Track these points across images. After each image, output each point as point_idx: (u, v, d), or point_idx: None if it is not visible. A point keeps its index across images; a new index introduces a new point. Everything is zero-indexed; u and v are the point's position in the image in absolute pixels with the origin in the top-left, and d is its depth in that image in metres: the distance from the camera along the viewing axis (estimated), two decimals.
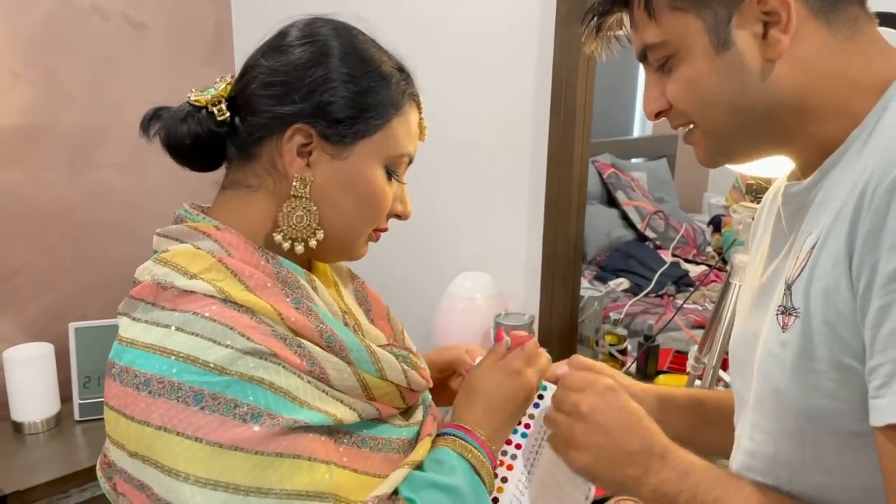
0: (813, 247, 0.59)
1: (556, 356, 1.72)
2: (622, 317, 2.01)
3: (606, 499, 1.28)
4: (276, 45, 0.75)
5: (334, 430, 0.69)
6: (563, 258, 1.72)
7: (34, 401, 1.69)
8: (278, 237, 0.72)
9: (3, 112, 1.73)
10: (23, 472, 1.54)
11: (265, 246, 0.74)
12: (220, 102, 0.74)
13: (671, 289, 2.52)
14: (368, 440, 0.73)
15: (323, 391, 0.69)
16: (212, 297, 0.67)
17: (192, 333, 0.65)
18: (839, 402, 0.58)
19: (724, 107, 0.64)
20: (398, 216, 0.81)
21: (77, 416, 1.75)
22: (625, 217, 3.03)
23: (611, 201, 3.08)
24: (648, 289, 2.48)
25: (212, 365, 0.63)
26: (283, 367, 0.66)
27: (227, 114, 0.74)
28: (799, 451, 0.62)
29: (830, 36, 0.60)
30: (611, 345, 1.85)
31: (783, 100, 0.62)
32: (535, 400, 0.85)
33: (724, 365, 1.26)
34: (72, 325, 1.76)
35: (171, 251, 0.71)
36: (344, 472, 0.68)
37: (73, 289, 1.84)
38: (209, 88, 0.75)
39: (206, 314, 0.66)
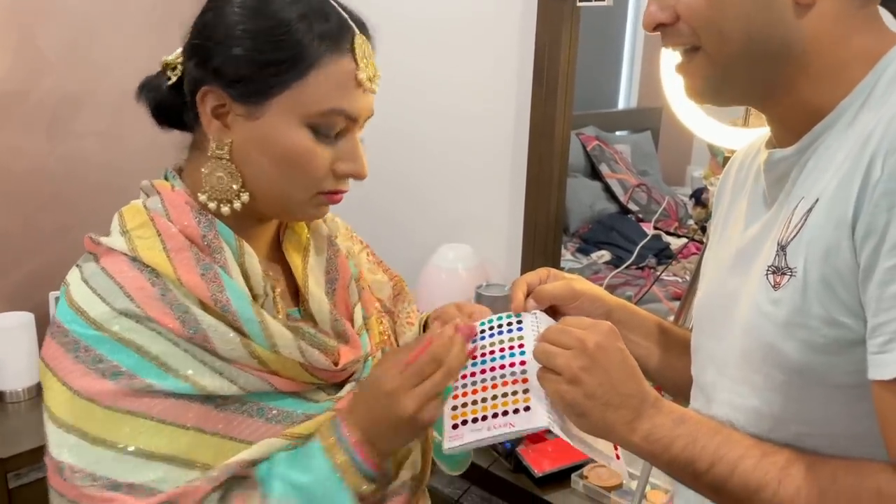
0: (810, 209, 0.61)
1: None
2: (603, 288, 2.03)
3: (582, 465, 1.32)
4: (201, 8, 0.75)
5: (217, 398, 0.70)
6: (543, 230, 1.73)
7: (16, 370, 1.70)
8: (203, 198, 0.74)
9: None
10: (5, 440, 1.56)
11: (215, 211, 0.75)
12: (176, 67, 0.76)
13: (652, 261, 2.55)
14: (266, 410, 0.73)
15: (201, 360, 0.70)
16: (124, 254, 0.71)
17: (91, 288, 0.70)
18: (830, 357, 0.60)
19: (741, 34, 0.62)
20: (350, 176, 0.76)
21: None
22: (608, 190, 3.05)
23: (594, 174, 3.09)
24: (630, 261, 2.50)
25: (93, 320, 0.68)
26: (159, 332, 0.69)
27: (175, 79, 0.76)
28: (784, 402, 0.65)
29: (849, 1, 0.62)
30: None
31: (796, 48, 0.63)
32: (515, 323, 0.79)
33: None
34: (52, 294, 1.75)
35: (128, 204, 0.76)
36: (212, 438, 0.70)
37: (53, 258, 1.83)
38: (176, 52, 0.77)
39: (108, 271, 0.70)
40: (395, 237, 2.01)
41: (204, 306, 0.71)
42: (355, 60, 0.72)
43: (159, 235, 0.72)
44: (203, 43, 0.72)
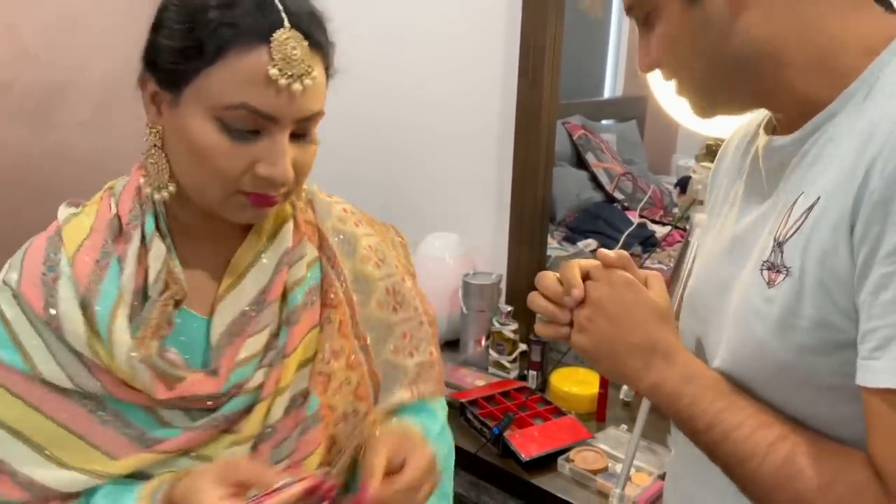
0: (811, 207, 0.60)
1: (522, 314, 1.76)
2: None
3: (567, 449, 1.34)
4: None
5: (48, 382, 0.72)
6: (530, 218, 1.74)
7: None
8: (141, 181, 0.77)
9: None
10: None
11: (150, 196, 0.76)
12: None
13: (638, 249, 2.56)
14: (104, 414, 0.73)
15: (49, 346, 0.71)
16: (58, 225, 0.76)
17: (20, 254, 0.76)
18: (818, 358, 0.60)
19: (700, 60, 0.66)
20: (267, 180, 0.71)
21: None
22: (594, 179, 3.06)
23: (580, 163, 3.10)
24: (615, 249, 2.52)
25: None
26: (24, 311, 0.72)
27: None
28: (770, 400, 0.65)
29: None
30: None
31: (756, 51, 0.63)
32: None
33: None
34: None
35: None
36: (45, 420, 0.72)
37: None
38: None
39: (31, 242, 0.76)
40: None
41: (77, 293, 0.72)
42: (270, 55, 0.67)
43: (95, 214, 0.76)
44: (149, 33, 0.74)
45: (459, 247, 1.81)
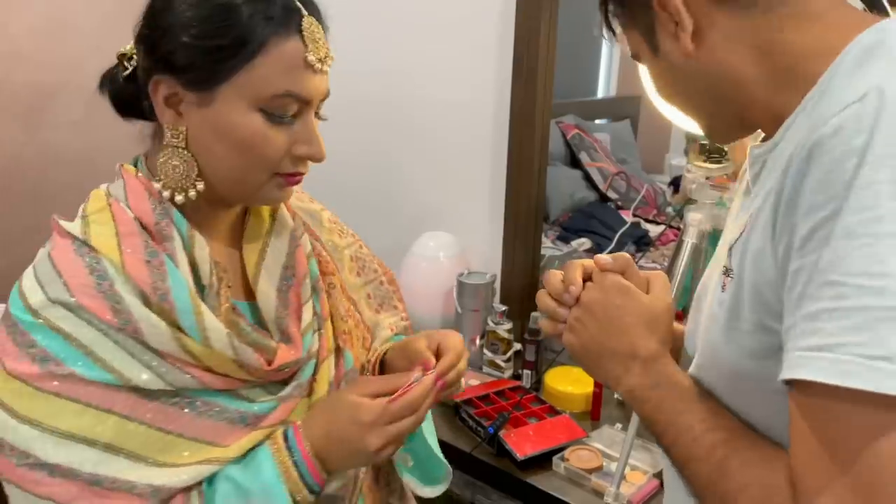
0: (753, 211, 0.61)
1: (517, 314, 1.76)
2: None
3: (562, 448, 1.34)
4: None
5: (145, 389, 0.70)
6: (524, 218, 1.74)
7: None
8: (158, 185, 0.75)
9: None
10: None
11: (170, 199, 0.76)
12: (132, 58, 0.77)
13: (632, 248, 2.57)
14: (198, 404, 0.73)
15: (131, 352, 0.70)
16: (75, 237, 0.72)
17: (36, 274, 0.72)
18: (762, 362, 0.60)
19: (681, 100, 0.71)
20: (307, 159, 0.77)
21: None
22: (588, 178, 3.06)
23: (574, 162, 3.11)
24: (609, 248, 2.52)
25: (30, 306, 0.70)
26: (90, 322, 0.69)
27: (130, 70, 0.76)
28: (729, 402, 0.65)
29: (743, 16, 0.62)
30: None
31: (719, 78, 0.65)
32: None
33: (679, 317, 1.31)
34: None
35: (99, 187, 0.78)
36: (140, 426, 0.70)
37: (30, 250, 1.81)
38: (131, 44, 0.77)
39: (53, 258, 0.72)
40: (376, 226, 2.01)
41: (143, 296, 0.70)
42: (304, 42, 0.72)
43: (113, 220, 0.73)
44: (151, 32, 0.72)
45: (453, 246, 1.81)
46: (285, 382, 0.80)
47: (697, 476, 0.62)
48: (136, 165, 0.78)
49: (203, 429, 0.73)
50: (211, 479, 0.74)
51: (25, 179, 1.83)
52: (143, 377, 0.70)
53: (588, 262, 0.76)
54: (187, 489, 0.72)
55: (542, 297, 0.77)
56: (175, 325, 0.71)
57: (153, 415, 0.71)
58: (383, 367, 0.96)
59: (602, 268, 0.74)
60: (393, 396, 0.76)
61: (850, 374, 0.48)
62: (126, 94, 0.77)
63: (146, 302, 0.70)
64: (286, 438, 0.76)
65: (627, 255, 0.75)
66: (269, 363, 0.76)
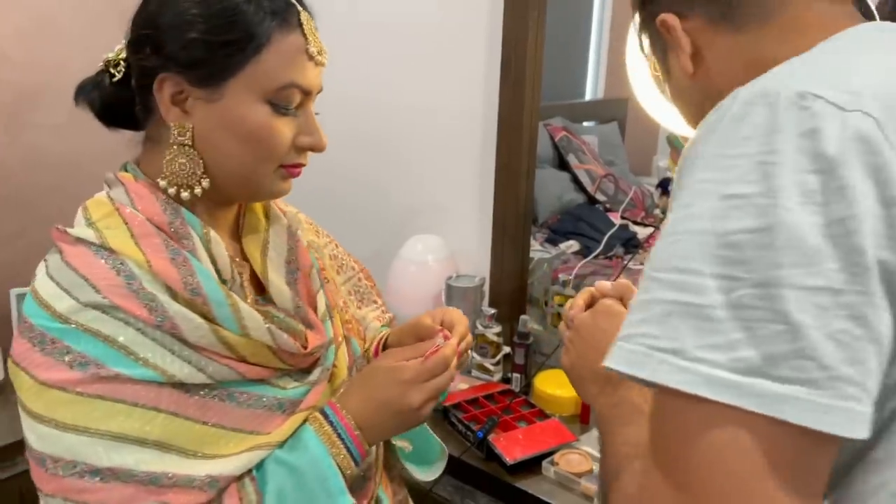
0: None
1: (506, 317, 1.75)
2: (571, 278, 2.05)
3: (552, 452, 1.33)
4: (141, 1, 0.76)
5: (186, 384, 0.71)
6: (513, 221, 1.74)
7: None
8: (163, 183, 0.74)
9: None
10: None
11: (175, 196, 0.76)
12: (118, 64, 0.76)
13: (620, 250, 2.58)
14: (237, 395, 0.75)
15: (170, 348, 0.70)
16: (91, 243, 0.71)
17: (56, 283, 0.70)
18: None
19: (694, 121, 0.72)
20: (310, 149, 0.79)
21: None
22: (576, 180, 3.07)
23: (562, 165, 3.11)
24: (598, 251, 2.53)
25: (58, 314, 0.68)
26: (126, 321, 0.69)
27: (120, 75, 0.76)
28: None
29: (740, 33, 0.64)
30: (559, 305, 1.89)
31: (717, 92, 0.64)
32: None
33: None
34: (13, 292, 1.71)
35: (92, 197, 0.77)
36: (186, 422, 0.71)
37: (13, 255, 1.79)
38: (116, 49, 0.77)
39: (73, 264, 0.70)
40: (364, 229, 2.00)
41: (172, 293, 0.71)
42: (304, 35, 0.75)
43: (126, 224, 0.72)
44: (153, 32, 0.72)
45: (442, 249, 1.81)
46: (308, 371, 0.82)
47: (610, 487, 0.61)
48: (126, 171, 0.78)
49: (244, 419, 0.74)
50: (259, 465, 0.75)
51: (7, 184, 1.80)
52: (185, 371, 0.70)
53: (599, 287, 0.83)
54: (239, 477, 0.73)
55: (561, 322, 0.83)
56: (209, 318, 0.72)
57: (195, 409, 0.71)
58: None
59: (601, 293, 0.80)
60: (426, 355, 0.82)
61: (635, 363, 0.48)
62: (115, 99, 0.77)
63: (174, 298, 0.71)
64: (325, 415, 0.79)
65: (627, 283, 0.79)
66: (304, 347, 0.79)
